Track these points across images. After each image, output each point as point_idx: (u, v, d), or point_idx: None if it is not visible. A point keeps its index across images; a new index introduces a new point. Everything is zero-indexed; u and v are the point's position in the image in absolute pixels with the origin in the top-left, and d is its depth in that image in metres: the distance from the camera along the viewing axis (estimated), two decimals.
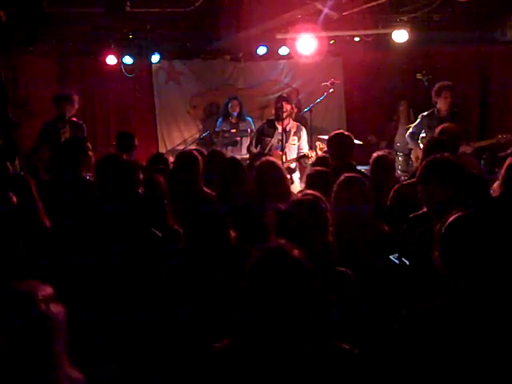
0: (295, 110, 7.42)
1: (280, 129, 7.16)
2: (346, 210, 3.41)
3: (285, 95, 7.52)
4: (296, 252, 1.99)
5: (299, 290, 1.93)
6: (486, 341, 2.07)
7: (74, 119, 7.06)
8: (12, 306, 1.65)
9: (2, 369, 1.63)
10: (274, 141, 7.24)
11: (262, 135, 7.35)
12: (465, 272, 2.15)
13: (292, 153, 7.22)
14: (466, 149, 6.14)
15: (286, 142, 7.14)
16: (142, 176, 4.03)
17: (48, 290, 1.74)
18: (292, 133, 7.21)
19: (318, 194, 3.40)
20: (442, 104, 6.81)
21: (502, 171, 3.83)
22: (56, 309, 1.71)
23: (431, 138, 5.14)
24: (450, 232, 2.21)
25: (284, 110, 7.11)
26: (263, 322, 1.92)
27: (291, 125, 7.23)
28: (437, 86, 6.94)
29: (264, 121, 7.91)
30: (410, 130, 7.11)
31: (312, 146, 7.24)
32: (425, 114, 6.95)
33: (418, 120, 7.01)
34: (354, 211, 3.40)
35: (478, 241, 2.15)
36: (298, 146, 7.25)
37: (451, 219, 2.22)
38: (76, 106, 7.05)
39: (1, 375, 1.63)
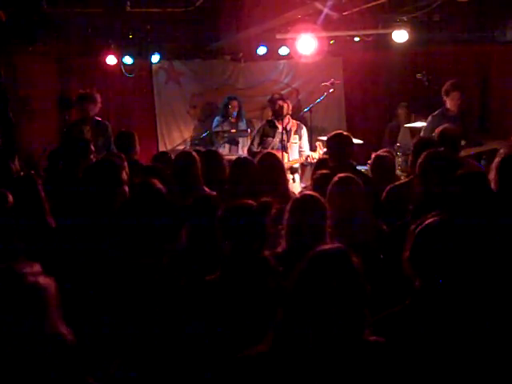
0: (291, 107, 7.40)
1: (281, 128, 7.17)
2: (340, 210, 3.42)
3: (277, 95, 7.52)
4: (354, 258, 2.02)
5: (350, 295, 1.96)
6: (450, 342, 2.16)
7: (98, 118, 7.03)
8: (4, 280, 1.92)
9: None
10: (276, 140, 7.24)
11: (264, 136, 7.35)
12: (430, 276, 2.24)
13: (294, 151, 7.22)
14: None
15: (288, 141, 7.15)
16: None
17: (36, 267, 1.99)
18: (293, 131, 7.22)
19: (315, 194, 3.42)
20: (451, 104, 6.65)
21: (493, 172, 3.83)
22: (45, 281, 1.95)
23: (420, 139, 5.10)
24: (421, 237, 2.26)
25: (284, 108, 7.12)
26: (306, 324, 1.93)
27: (291, 123, 7.23)
28: (446, 84, 6.75)
29: (264, 121, 7.91)
30: (421, 133, 6.84)
31: (312, 147, 7.24)
32: (434, 113, 6.78)
33: (429, 120, 6.82)
34: (349, 211, 3.41)
35: (446, 249, 2.23)
36: (299, 145, 7.26)
37: (424, 224, 2.27)
38: (99, 104, 6.99)
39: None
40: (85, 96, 6.97)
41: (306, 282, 1.98)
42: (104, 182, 3.60)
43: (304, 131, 7.28)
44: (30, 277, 1.91)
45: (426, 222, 2.28)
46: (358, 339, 1.99)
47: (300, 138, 7.24)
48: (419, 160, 3.72)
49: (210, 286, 2.67)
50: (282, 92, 9.42)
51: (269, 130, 7.34)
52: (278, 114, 7.20)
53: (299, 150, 7.23)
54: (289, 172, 7.08)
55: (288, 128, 7.14)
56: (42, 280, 1.94)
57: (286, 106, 7.17)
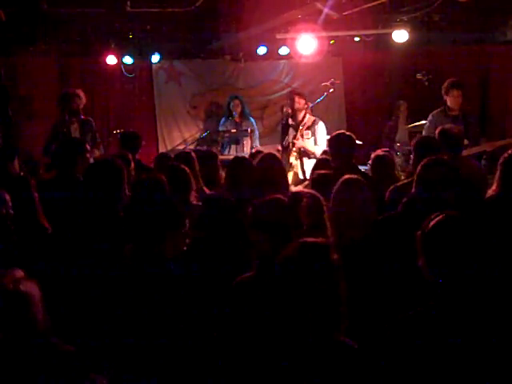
0: (308, 105, 7.33)
1: (295, 124, 7.16)
2: (345, 211, 3.41)
3: (297, 90, 7.45)
4: (335, 255, 2.10)
5: (326, 286, 2.03)
6: (469, 344, 2.13)
7: (83, 116, 7.01)
8: None
9: None
10: (290, 137, 7.21)
11: (283, 133, 7.36)
12: (449, 277, 2.19)
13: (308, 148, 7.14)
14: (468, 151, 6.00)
15: (295, 137, 7.08)
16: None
17: (18, 273, 2.00)
18: (305, 127, 7.10)
19: (313, 192, 3.42)
20: (451, 103, 6.53)
21: (497, 172, 3.83)
22: (27, 286, 1.96)
23: (420, 139, 5.05)
24: (433, 236, 2.23)
25: (296, 104, 7.09)
26: (278, 314, 2.00)
27: (307, 118, 7.13)
28: (445, 83, 6.64)
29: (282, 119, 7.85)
30: (423, 132, 6.73)
31: None
32: (434, 112, 6.68)
33: (429, 119, 6.70)
34: (354, 212, 3.40)
35: (460, 245, 2.18)
36: (314, 140, 7.12)
37: (432, 224, 2.24)
38: (84, 100, 6.93)
39: None
40: (71, 93, 6.85)
41: (288, 267, 2.07)
42: (107, 184, 3.58)
43: (318, 127, 7.07)
44: (9, 284, 1.92)
45: (434, 222, 2.25)
46: (327, 336, 2.04)
47: (313, 134, 7.12)
48: (418, 168, 3.71)
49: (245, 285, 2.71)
50: (283, 92, 9.45)
51: (285, 126, 7.35)
52: (293, 110, 7.19)
53: (314, 145, 7.14)
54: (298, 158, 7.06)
55: (301, 124, 7.08)
56: (24, 286, 1.94)
57: (300, 101, 7.12)
